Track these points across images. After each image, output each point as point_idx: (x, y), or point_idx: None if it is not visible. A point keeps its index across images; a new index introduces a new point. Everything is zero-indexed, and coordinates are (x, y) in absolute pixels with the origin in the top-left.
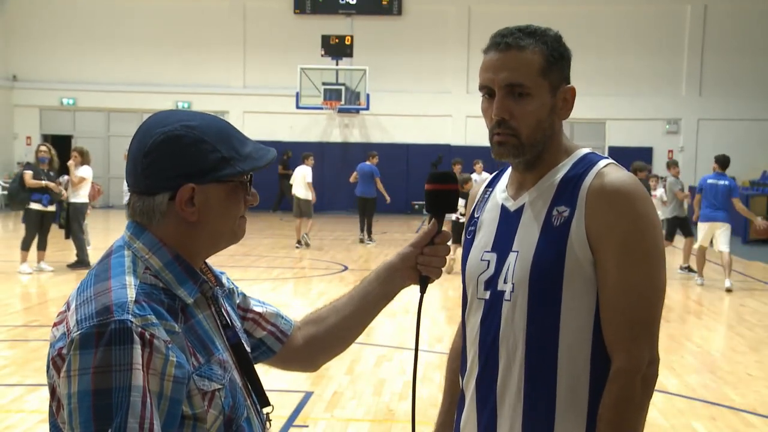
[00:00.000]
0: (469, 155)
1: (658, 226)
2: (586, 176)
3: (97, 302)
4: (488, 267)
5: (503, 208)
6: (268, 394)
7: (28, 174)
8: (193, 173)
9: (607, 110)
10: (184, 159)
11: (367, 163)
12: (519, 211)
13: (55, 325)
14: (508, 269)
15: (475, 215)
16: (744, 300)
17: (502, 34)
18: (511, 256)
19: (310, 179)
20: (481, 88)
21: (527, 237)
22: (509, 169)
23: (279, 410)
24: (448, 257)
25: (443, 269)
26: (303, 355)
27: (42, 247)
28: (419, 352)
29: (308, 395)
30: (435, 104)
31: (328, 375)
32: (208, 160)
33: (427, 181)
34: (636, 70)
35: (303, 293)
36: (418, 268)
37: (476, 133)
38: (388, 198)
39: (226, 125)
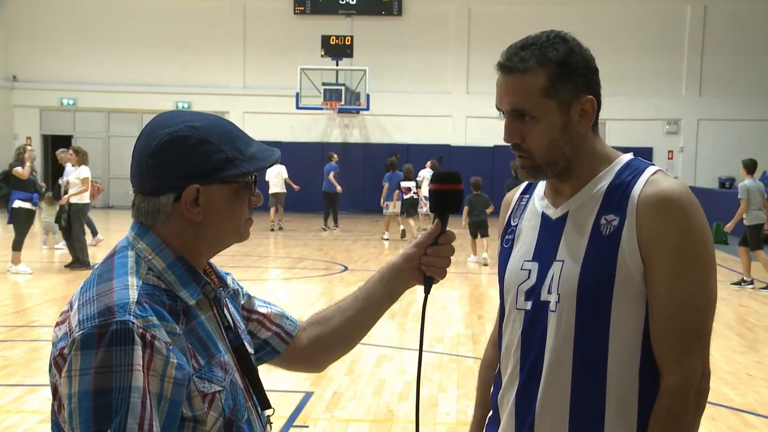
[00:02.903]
0: (469, 155)
1: (710, 236)
2: (634, 184)
3: (99, 303)
4: (529, 276)
5: (544, 216)
6: (268, 394)
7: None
8: (197, 174)
9: (607, 110)
10: (189, 160)
11: (329, 162)
12: (562, 220)
13: (57, 324)
14: (552, 279)
15: (512, 223)
16: (744, 300)
17: (507, 54)
18: (556, 266)
19: (286, 175)
20: (496, 106)
21: (574, 246)
22: None
23: (279, 410)
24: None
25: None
26: (308, 355)
27: (19, 247)
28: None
29: (308, 395)
30: (435, 104)
31: (328, 375)
32: (213, 160)
33: (431, 181)
34: (636, 70)
35: (303, 293)
36: (422, 268)
37: (476, 133)
38: (339, 188)
39: (230, 126)
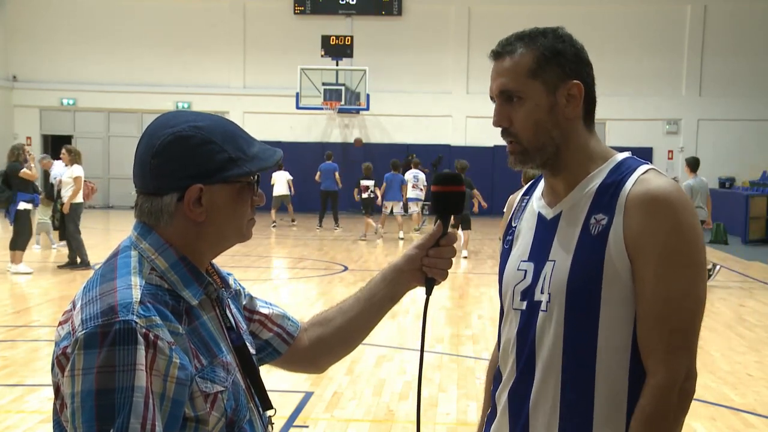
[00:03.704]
0: (469, 155)
1: (701, 236)
2: (625, 183)
3: (102, 302)
4: (525, 277)
5: (540, 217)
6: (269, 394)
7: (25, 171)
8: (201, 174)
9: (607, 110)
10: (193, 159)
11: (329, 162)
12: (556, 220)
13: (60, 324)
14: (544, 279)
15: (513, 224)
16: (744, 300)
17: (499, 42)
18: (548, 266)
19: (290, 177)
20: (490, 98)
21: (564, 246)
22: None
23: (279, 411)
24: (375, 226)
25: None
26: (309, 356)
27: (24, 247)
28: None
29: (308, 395)
30: (435, 104)
31: (328, 375)
32: (216, 160)
33: (432, 182)
34: (636, 70)
35: (303, 293)
36: (424, 269)
37: (476, 133)
38: (340, 184)
39: (232, 126)
